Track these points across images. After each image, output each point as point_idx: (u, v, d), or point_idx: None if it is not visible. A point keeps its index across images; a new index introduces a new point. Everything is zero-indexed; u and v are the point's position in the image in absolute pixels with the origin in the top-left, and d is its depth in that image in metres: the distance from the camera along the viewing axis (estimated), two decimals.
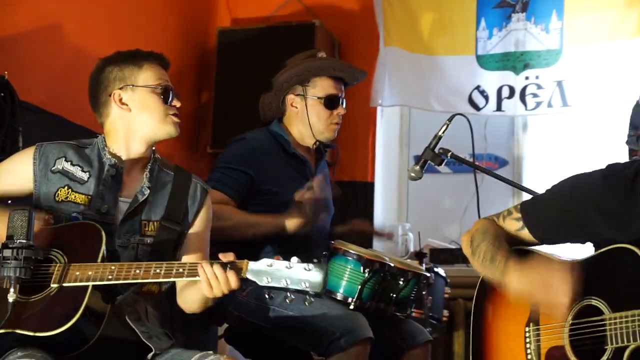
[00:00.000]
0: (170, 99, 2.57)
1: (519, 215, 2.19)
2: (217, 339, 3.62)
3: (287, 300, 2.21)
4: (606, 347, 1.82)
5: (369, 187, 4.97)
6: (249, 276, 2.21)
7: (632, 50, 4.26)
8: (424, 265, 3.75)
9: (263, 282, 2.18)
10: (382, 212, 5.10)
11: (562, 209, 2.09)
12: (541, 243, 2.21)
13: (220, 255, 2.25)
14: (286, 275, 2.17)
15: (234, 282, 2.21)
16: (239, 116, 4.69)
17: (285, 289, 2.18)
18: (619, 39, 4.37)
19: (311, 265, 2.18)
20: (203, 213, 2.62)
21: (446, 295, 3.98)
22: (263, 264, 2.20)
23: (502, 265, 2.05)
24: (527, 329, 2.08)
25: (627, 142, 3.54)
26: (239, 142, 3.28)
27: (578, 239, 2.12)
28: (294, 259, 2.20)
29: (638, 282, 1.77)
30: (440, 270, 3.98)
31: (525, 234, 2.18)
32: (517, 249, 2.18)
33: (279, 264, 2.19)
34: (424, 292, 3.68)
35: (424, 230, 4.82)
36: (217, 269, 2.21)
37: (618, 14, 4.41)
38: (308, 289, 2.17)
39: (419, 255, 3.89)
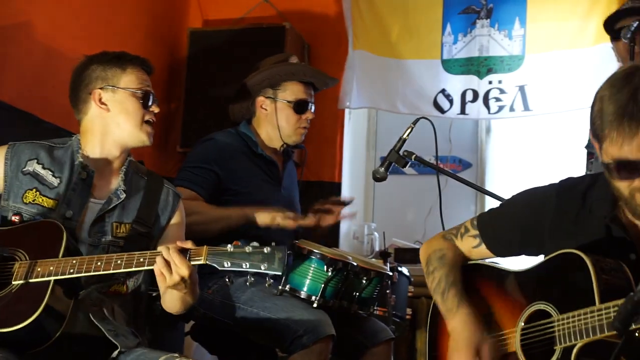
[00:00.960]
0: (149, 104, 2.60)
1: (476, 232, 2.25)
2: (184, 336, 3.66)
3: (247, 284, 2.26)
4: (555, 347, 1.86)
5: (336, 188, 5.05)
6: (209, 261, 2.24)
7: (591, 58, 4.38)
8: (388, 264, 3.82)
9: (223, 266, 2.22)
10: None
11: (518, 226, 2.15)
12: (497, 256, 2.27)
13: (178, 242, 2.28)
14: (245, 258, 2.22)
15: (184, 268, 2.23)
16: (208, 116, 4.73)
17: (245, 272, 2.22)
18: (578, 47, 4.49)
19: (269, 248, 2.23)
20: (176, 218, 2.66)
21: (410, 294, 4.06)
22: (222, 248, 2.24)
23: (453, 306, 2.13)
24: None
25: (586, 147, 3.63)
26: (207, 142, 3.33)
27: (533, 252, 2.17)
28: (254, 242, 2.25)
29: (583, 285, 1.81)
30: (404, 270, 4.06)
31: (482, 249, 2.24)
32: (471, 265, 2.27)
33: (237, 249, 2.24)
34: (387, 291, 3.75)
35: (389, 230, 4.90)
36: (165, 254, 2.23)
37: (577, 23, 4.53)
38: (267, 272, 2.22)
39: (383, 255, 3.95)
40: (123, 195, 2.55)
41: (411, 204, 5.19)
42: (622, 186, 1.85)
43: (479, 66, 4.80)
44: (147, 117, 2.60)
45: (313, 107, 3.44)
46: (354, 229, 5.05)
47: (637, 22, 3.15)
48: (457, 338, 2.08)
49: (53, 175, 2.51)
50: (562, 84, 4.50)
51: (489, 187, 5.01)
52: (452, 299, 2.13)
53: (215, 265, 2.24)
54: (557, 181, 2.14)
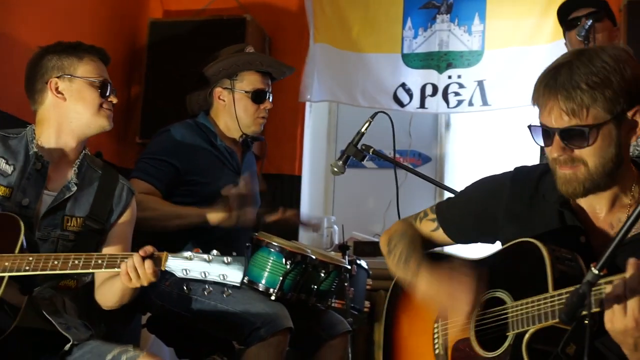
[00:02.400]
0: (107, 94, 2.57)
1: (434, 216, 2.27)
2: (140, 328, 3.63)
3: (206, 292, 2.25)
4: (508, 333, 1.89)
5: (296, 181, 5.06)
6: (168, 268, 2.24)
7: (547, 54, 4.43)
8: (346, 257, 3.84)
9: (181, 274, 2.22)
10: (309, 205, 5.18)
11: (474, 212, 2.18)
12: (455, 243, 2.30)
13: (140, 251, 2.27)
14: (205, 267, 2.21)
15: (151, 274, 2.24)
16: (168, 107, 4.68)
17: (204, 281, 2.22)
18: (536, 44, 4.56)
19: (230, 258, 2.23)
20: (127, 213, 2.64)
21: (368, 287, 4.07)
22: (182, 256, 2.23)
23: (415, 269, 2.11)
24: (435, 325, 2.15)
25: None
26: (165, 133, 3.30)
27: (488, 239, 2.20)
28: (214, 251, 2.24)
29: (537, 273, 1.84)
30: (363, 263, 4.07)
31: (440, 234, 2.27)
32: (431, 253, 2.26)
33: (198, 257, 2.23)
34: (346, 284, 3.77)
35: (349, 223, 4.91)
36: (136, 260, 2.23)
37: (535, 20, 4.59)
38: (226, 282, 2.22)
39: (342, 248, 3.96)
40: (74, 188, 2.52)
41: (371, 197, 5.21)
42: (549, 157, 1.93)
43: (439, 61, 4.84)
44: (104, 106, 2.58)
45: (271, 97, 3.43)
46: (315, 221, 5.05)
47: (592, 21, 3.22)
48: (432, 293, 2.06)
49: (6, 163, 2.47)
50: (519, 80, 4.55)
51: (448, 181, 5.06)
52: (413, 264, 2.13)
53: (174, 273, 2.24)
54: (512, 169, 2.18)
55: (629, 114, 1.87)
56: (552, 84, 1.84)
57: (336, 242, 4.87)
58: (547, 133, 1.88)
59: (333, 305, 3.55)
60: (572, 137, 1.85)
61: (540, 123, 1.90)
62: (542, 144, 1.91)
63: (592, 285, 1.63)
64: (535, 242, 1.90)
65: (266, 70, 3.44)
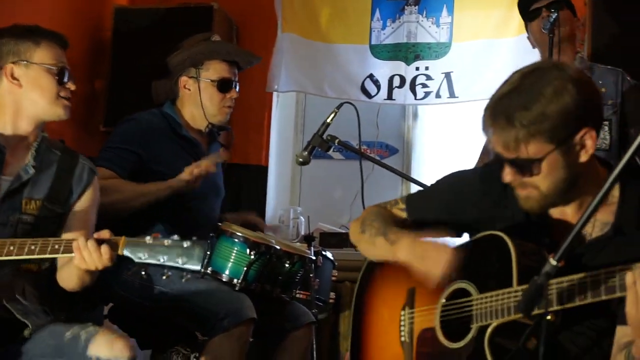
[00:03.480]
0: (65, 80, 2.53)
1: (404, 206, 2.28)
2: (103, 319, 3.59)
3: (164, 277, 2.22)
4: (472, 325, 1.90)
5: (263, 171, 5.05)
6: (126, 252, 2.21)
7: (514, 47, 4.46)
8: (312, 248, 3.83)
9: (139, 258, 2.20)
10: (275, 196, 5.17)
11: (443, 206, 2.19)
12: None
13: (95, 234, 2.25)
14: (164, 252, 2.18)
15: (106, 258, 2.21)
16: (133, 95, 4.62)
17: (162, 266, 2.19)
18: (503, 36, 4.58)
19: (189, 243, 2.20)
20: (88, 194, 2.59)
21: (333, 278, 4.06)
22: (140, 241, 2.21)
23: (394, 237, 2.11)
24: (402, 313, 2.16)
25: None
26: (129, 122, 3.27)
27: (456, 234, 2.21)
28: (174, 236, 2.22)
29: (503, 266, 1.86)
30: (329, 254, 4.06)
31: (409, 225, 2.26)
32: None
33: (156, 241, 2.20)
34: (311, 275, 3.76)
35: (315, 214, 4.90)
36: (91, 244, 2.20)
37: (502, 13, 4.60)
38: (185, 266, 2.19)
39: (307, 239, 3.95)
40: (32, 171, 2.48)
41: (338, 188, 5.20)
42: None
43: (407, 52, 4.84)
44: (62, 94, 2.53)
45: (237, 86, 3.40)
46: (280, 213, 5.04)
47: (556, 14, 3.23)
48: (413, 253, 2.05)
49: None
50: (486, 72, 4.58)
51: (415, 172, 5.08)
52: (393, 234, 2.13)
53: (132, 257, 2.21)
54: (481, 166, 2.20)
55: (577, 137, 1.85)
56: (493, 114, 1.84)
57: (302, 233, 4.86)
58: (498, 156, 1.90)
59: (298, 296, 3.55)
60: (517, 166, 1.86)
61: (493, 149, 1.92)
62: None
63: (550, 276, 1.64)
64: (502, 235, 1.91)
65: (232, 59, 3.41)
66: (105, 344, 2.25)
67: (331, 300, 4.01)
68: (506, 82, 1.89)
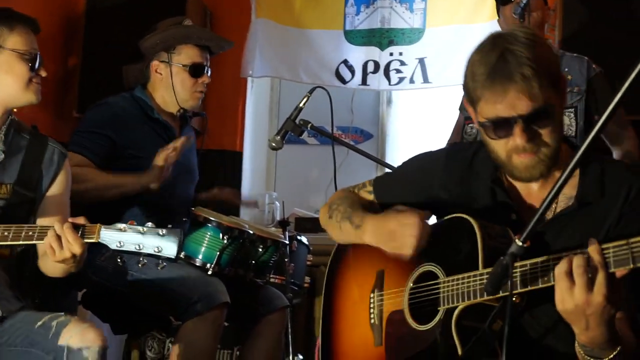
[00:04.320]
0: (37, 67, 2.51)
1: (371, 188, 2.29)
2: (77, 305, 3.59)
3: (140, 265, 2.23)
4: (439, 308, 1.91)
5: (238, 156, 5.03)
6: (102, 240, 2.21)
7: (487, 33, 4.45)
8: (287, 233, 3.85)
9: (115, 246, 2.20)
10: (250, 181, 5.16)
11: (409, 187, 2.19)
12: None
13: (70, 219, 2.24)
14: (139, 240, 2.19)
15: (76, 246, 2.21)
16: (106, 80, 4.57)
17: (138, 254, 2.20)
18: (476, 22, 4.60)
19: (165, 231, 2.21)
20: (61, 177, 2.58)
21: (308, 263, 4.10)
22: (116, 228, 2.21)
23: (359, 220, 2.12)
24: (372, 295, 2.16)
25: (460, 108, 3.82)
26: (101, 106, 3.25)
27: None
28: (149, 223, 2.23)
29: (469, 249, 1.87)
30: (304, 239, 4.09)
31: (376, 207, 2.27)
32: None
33: (132, 229, 2.21)
34: (286, 259, 3.78)
35: (291, 199, 4.91)
36: (67, 230, 2.20)
37: None
38: (160, 254, 2.20)
39: (282, 224, 3.97)
40: (1, 156, 2.47)
41: (313, 173, 5.22)
42: (499, 147, 1.91)
43: (381, 38, 4.84)
44: (34, 80, 2.52)
45: (209, 71, 3.40)
46: (255, 199, 5.04)
47: (528, 0, 3.26)
48: (380, 234, 2.04)
49: None
50: (460, 58, 4.55)
51: (389, 157, 5.09)
52: (358, 217, 2.13)
53: (108, 245, 2.21)
54: (447, 146, 2.20)
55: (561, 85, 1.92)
56: (505, 74, 1.82)
57: (277, 218, 4.88)
58: (506, 123, 1.86)
59: (272, 280, 3.57)
60: (535, 119, 1.85)
61: (492, 116, 1.87)
62: (496, 137, 1.90)
63: (515, 257, 1.66)
64: (468, 218, 1.92)
65: (204, 44, 3.39)
66: (76, 334, 2.24)
67: (306, 285, 4.04)
68: (488, 49, 1.87)
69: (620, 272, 1.59)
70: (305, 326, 4.44)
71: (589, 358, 1.73)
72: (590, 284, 1.59)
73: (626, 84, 1.47)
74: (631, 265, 1.57)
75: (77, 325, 2.28)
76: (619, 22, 4.02)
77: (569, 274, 1.61)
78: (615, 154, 3.46)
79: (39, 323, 2.29)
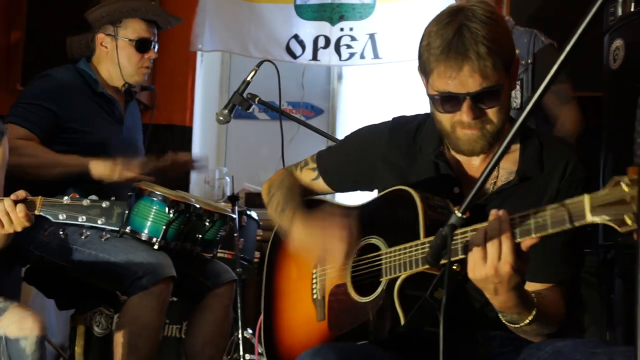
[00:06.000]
0: None
1: (315, 165, 2.27)
2: (21, 281, 3.54)
3: (83, 237, 2.20)
4: (381, 279, 1.92)
5: (187, 131, 5.01)
6: (43, 213, 2.17)
7: (438, 8, 4.44)
8: (236, 208, 3.84)
9: (58, 218, 2.16)
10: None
11: (353, 161, 2.19)
12: (335, 191, 2.31)
13: (12, 195, 2.19)
14: (82, 211, 2.16)
15: (24, 218, 2.17)
16: (50, 53, 4.49)
17: (81, 226, 2.17)
18: None
19: (108, 203, 2.17)
20: None
21: (258, 238, 4.11)
22: (58, 200, 2.17)
23: (290, 218, 2.11)
24: (314, 271, 2.16)
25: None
26: (43, 78, 3.18)
27: (367, 188, 2.22)
28: (92, 196, 2.19)
29: (410, 220, 1.88)
30: (254, 214, 4.09)
31: (320, 182, 2.26)
32: (309, 199, 2.26)
33: (74, 201, 2.17)
34: (235, 234, 3.78)
35: (242, 174, 4.91)
36: (7, 204, 2.16)
37: None
38: (104, 226, 2.17)
39: (231, 199, 3.96)
40: None
41: (263, 148, 5.20)
42: (445, 119, 1.93)
43: (332, 13, 4.83)
44: None
45: (156, 47, 3.35)
46: (205, 174, 5.02)
47: None
48: (306, 243, 2.05)
49: None
50: (410, 33, 4.59)
51: (339, 133, 5.11)
52: (289, 213, 2.13)
53: (50, 217, 2.17)
54: (390, 119, 2.20)
55: (514, 67, 1.93)
56: (460, 49, 1.82)
57: (227, 193, 4.87)
58: (455, 99, 1.87)
59: (222, 255, 3.56)
60: (484, 98, 1.87)
61: (442, 90, 1.87)
62: (443, 111, 1.91)
63: (455, 228, 1.68)
64: (408, 189, 1.92)
65: (151, 18, 3.34)
66: (14, 322, 2.21)
67: (256, 260, 4.05)
68: (444, 23, 1.86)
69: (527, 242, 1.62)
70: (255, 301, 4.44)
71: (508, 323, 1.78)
72: (499, 254, 1.62)
73: (560, 59, 1.48)
74: (533, 235, 1.59)
75: (16, 313, 2.24)
76: None
77: (484, 244, 1.63)
78: (553, 129, 3.51)
79: None
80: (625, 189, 1.48)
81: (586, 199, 1.53)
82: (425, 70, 1.92)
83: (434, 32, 1.88)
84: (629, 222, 1.49)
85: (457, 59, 1.82)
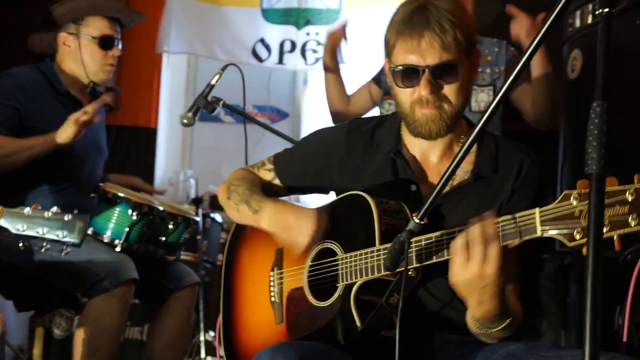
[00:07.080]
0: None
1: (272, 166, 2.27)
2: None
3: (43, 250, 2.15)
4: (338, 284, 1.94)
5: (152, 133, 5.00)
6: (2, 223, 2.14)
7: None
8: (200, 210, 3.85)
9: (17, 230, 2.12)
10: (165, 159, 5.13)
11: (310, 163, 2.19)
12: (291, 193, 2.31)
13: None
14: (43, 225, 2.12)
15: None
16: (14, 51, 4.46)
17: (41, 239, 2.13)
18: (392, 4, 4.62)
19: (70, 216, 2.14)
20: None
21: (222, 240, 4.11)
22: (18, 212, 2.13)
23: (257, 204, 2.09)
24: (271, 273, 2.16)
25: (374, 79, 3.91)
26: (5, 77, 3.15)
27: (323, 190, 2.23)
28: (54, 208, 2.15)
29: (366, 226, 1.90)
30: (217, 216, 4.10)
31: (277, 183, 2.26)
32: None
33: (36, 213, 2.13)
34: (198, 237, 3.79)
35: (206, 177, 4.90)
36: None
37: None
38: (65, 239, 2.13)
39: (195, 201, 3.96)
40: None
41: (229, 152, 5.20)
42: (405, 97, 1.95)
43: (298, 17, 4.87)
44: None
45: (120, 44, 3.33)
46: (170, 176, 5.01)
47: None
48: (276, 223, 2.03)
49: None
50: (375, 39, 4.64)
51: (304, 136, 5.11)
52: (256, 201, 2.11)
53: (9, 229, 2.13)
54: (349, 121, 2.22)
55: (475, 53, 1.97)
56: (423, 20, 1.85)
57: (192, 196, 4.86)
58: (414, 72, 1.90)
59: (185, 257, 3.56)
60: (443, 73, 1.89)
61: (403, 63, 1.90)
62: (403, 86, 1.93)
63: (413, 234, 1.71)
64: (364, 195, 1.94)
65: (114, 15, 3.32)
66: None
67: (219, 262, 4.05)
68: (402, 9, 1.90)
69: (509, 245, 1.66)
70: (217, 303, 4.45)
71: (481, 328, 1.79)
72: (484, 257, 1.63)
73: (517, 69, 1.53)
74: (519, 239, 1.63)
75: None
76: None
77: (466, 247, 1.64)
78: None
79: None
80: (574, 202, 1.53)
81: (537, 213, 1.57)
82: (387, 49, 1.96)
83: (398, 12, 1.93)
84: (577, 237, 1.53)
85: (419, 27, 1.86)
